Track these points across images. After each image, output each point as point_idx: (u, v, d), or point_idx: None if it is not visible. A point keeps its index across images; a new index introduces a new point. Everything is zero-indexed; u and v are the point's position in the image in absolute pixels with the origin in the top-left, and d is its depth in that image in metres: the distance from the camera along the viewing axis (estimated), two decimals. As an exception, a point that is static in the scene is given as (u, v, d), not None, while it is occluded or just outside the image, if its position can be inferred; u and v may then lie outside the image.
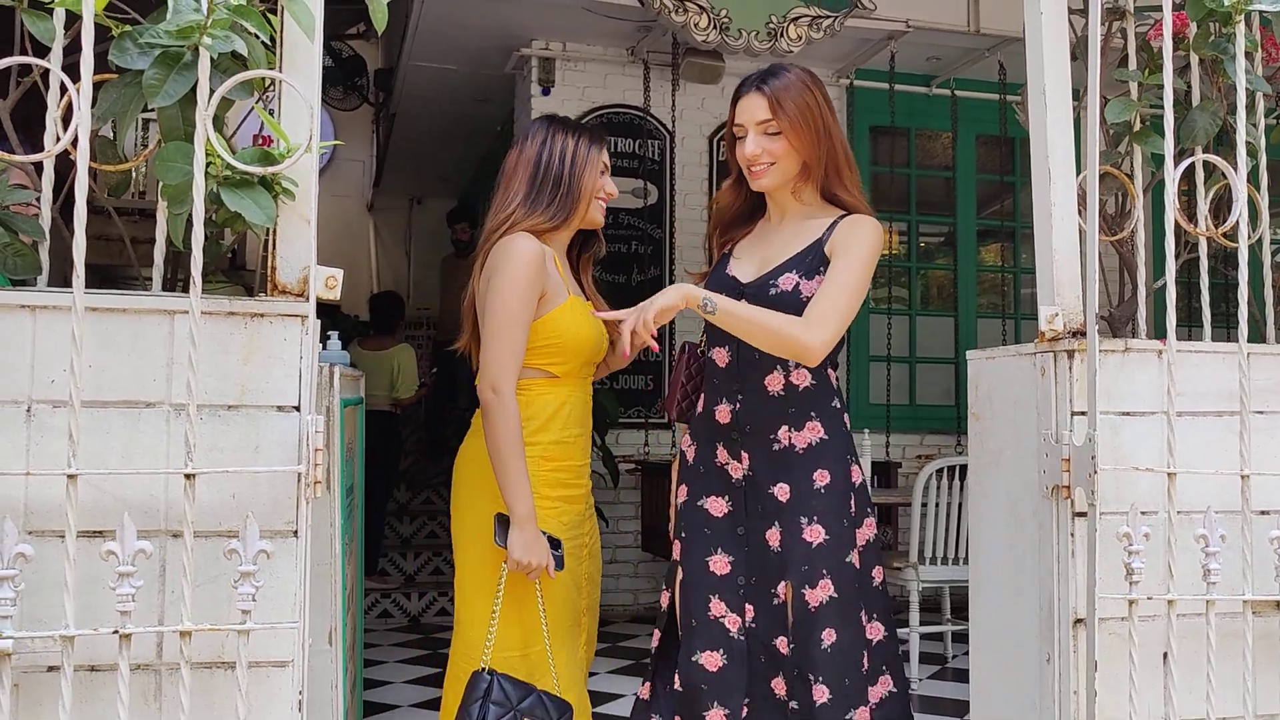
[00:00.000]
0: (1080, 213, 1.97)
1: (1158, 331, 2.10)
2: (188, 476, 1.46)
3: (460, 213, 7.74)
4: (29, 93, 1.82)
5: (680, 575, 2.23)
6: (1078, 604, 1.89)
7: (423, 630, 5.87)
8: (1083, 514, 1.87)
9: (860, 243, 2.15)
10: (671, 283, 6.21)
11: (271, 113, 1.64)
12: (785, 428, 2.18)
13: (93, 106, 1.52)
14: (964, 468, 4.81)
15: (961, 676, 4.87)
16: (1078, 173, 1.98)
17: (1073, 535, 1.89)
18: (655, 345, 2.07)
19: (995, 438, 2.10)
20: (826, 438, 2.18)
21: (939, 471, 4.67)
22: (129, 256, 2.00)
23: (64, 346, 1.48)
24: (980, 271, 6.95)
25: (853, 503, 2.18)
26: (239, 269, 6.77)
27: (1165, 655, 1.85)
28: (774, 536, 2.16)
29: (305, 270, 1.59)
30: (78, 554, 1.43)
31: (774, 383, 2.19)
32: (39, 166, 1.66)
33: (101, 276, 1.69)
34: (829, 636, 2.09)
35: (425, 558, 6.53)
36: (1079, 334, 1.94)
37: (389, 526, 6.78)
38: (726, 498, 2.23)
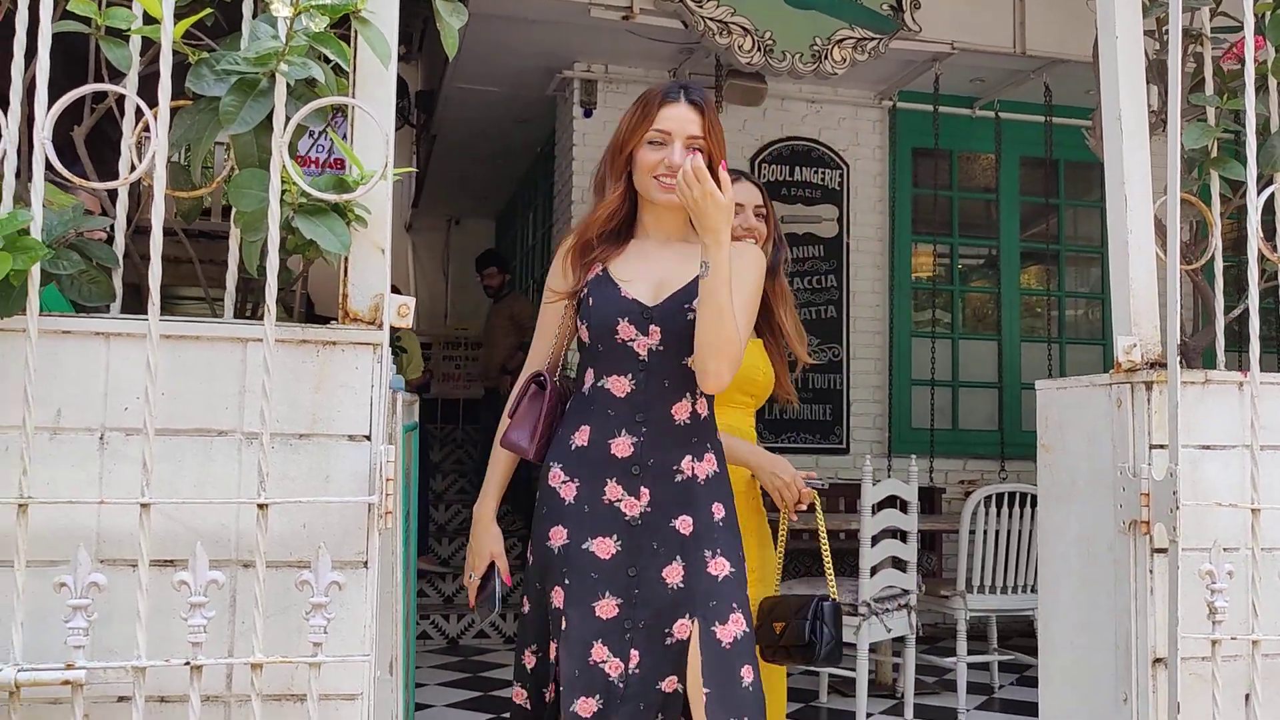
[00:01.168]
0: (1157, 241, 1.93)
1: (1231, 363, 2.05)
2: (261, 506, 1.44)
3: (488, 258, 7.74)
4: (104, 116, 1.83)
5: (564, 625, 2.01)
6: (1157, 643, 1.83)
7: (461, 652, 5.85)
8: (1163, 550, 1.82)
9: (749, 269, 2.11)
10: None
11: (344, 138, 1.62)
12: (689, 458, 2.07)
13: (168, 132, 1.52)
14: (1011, 495, 4.75)
15: (1008, 707, 4.79)
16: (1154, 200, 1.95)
17: (1151, 572, 1.84)
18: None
19: (1067, 470, 2.05)
20: (719, 470, 2.11)
21: (986, 499, 4.60)
22: (189, 277, 1.99)
23: (138, 374, 1.47)
24: (1023, 294, 6.88)
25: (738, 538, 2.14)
26: (316, 317, 6.87)
27: (1247, 696, 1.79)
28: (674, 573, 2.04)
29: (378, 298, 1.57)
30: (150, 583, 1.42)
31: (681, 411, 2.07)
32: (113, 193, 1.66)
33: (162, 297, 1.68)
34: (747, 674, 2.00)
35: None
36: (1157, 365, 1.89)
37: (428, 548, 6.78)
38: (615, 537, 2.05)
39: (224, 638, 1.50)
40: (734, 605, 2.02)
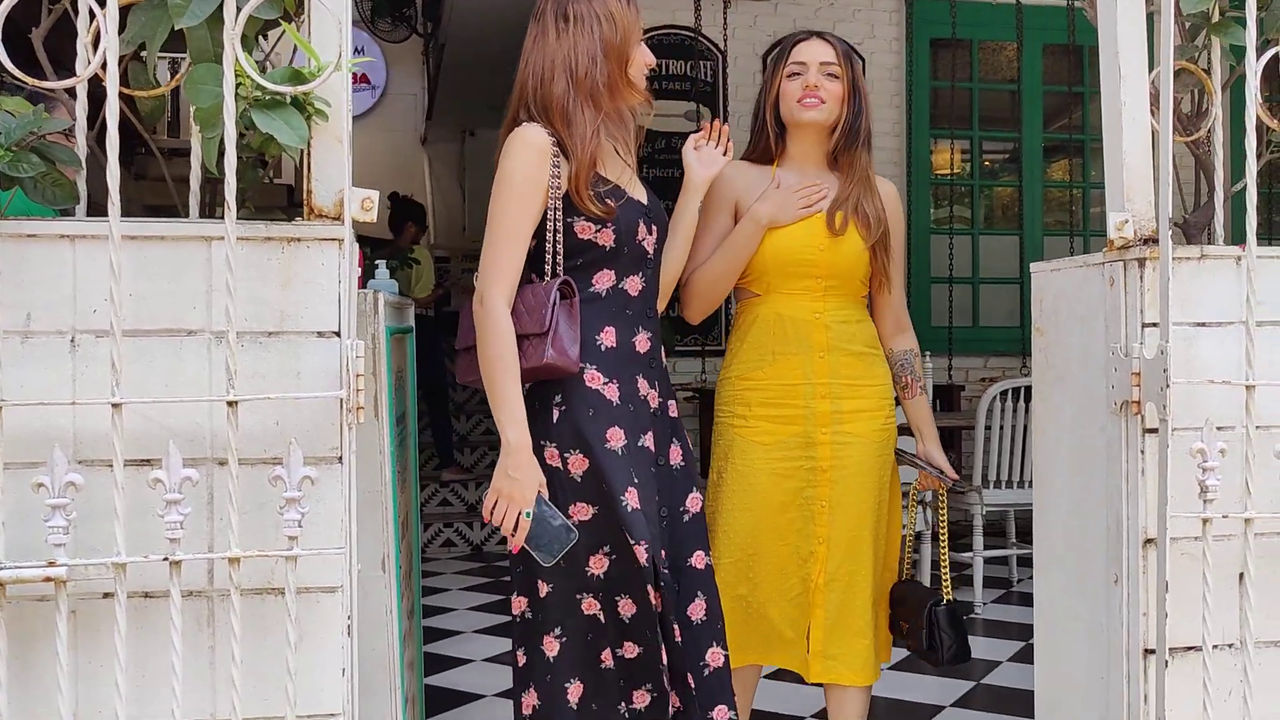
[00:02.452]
0: (1153, 113, 1.86)
1: (1235, 238, 1.99)
2: (230, 404, 1.44)
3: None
4: (64, 21, 1.80)
5: (646, 523, 2.02)
6: (1148, 523, 1.81)
7: (485, 559, 5.95)
8: (1154, 430, 1.79)
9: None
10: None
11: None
12: (663, 348, 2.21)
13: (122, 31, 1.49)
14: (1029, 389, 4.71)
15: (1027, 600, 4.82)
16: (1150, 70, 1.87)
17: (1143, 452, 1.81)
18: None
19: (1061, 353, 2.02)
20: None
21: (1003, 394, 4.58)
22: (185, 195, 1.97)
23: (104, 275, 1.47)
24: (1046, 188, 6.74)
25: None
26: (297, 205, 6.82)
27: (1241, 576, 1.78)
28: (675, 454, 2.18)
29: (340, 193, 1.55)
30: (126, 482, 1.43)
31: (661, 304, 2.22)
32: (74, 94, 1.64)
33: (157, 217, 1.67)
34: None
35: (486, 487, 6.60)
36: (1150, 241, 1.84)
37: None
38: (651, 431, 2.11)
39: (203, 534, 1.52)
40: (695, 485, 2.21)
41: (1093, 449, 1.92)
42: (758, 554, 2.35)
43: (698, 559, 2.14)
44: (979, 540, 4.67)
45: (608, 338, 2.07)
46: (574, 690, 2.06)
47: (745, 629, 2.37)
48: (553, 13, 2.04)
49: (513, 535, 1.97)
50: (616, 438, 2.04)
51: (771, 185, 2.38)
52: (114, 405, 1.42)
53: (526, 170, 1.99)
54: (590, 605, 2.05)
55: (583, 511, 2.02)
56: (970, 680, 3.67)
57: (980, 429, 4.58)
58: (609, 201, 2.04)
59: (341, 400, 1.50)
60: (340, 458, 1.52)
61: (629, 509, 2.00)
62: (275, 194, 6.35)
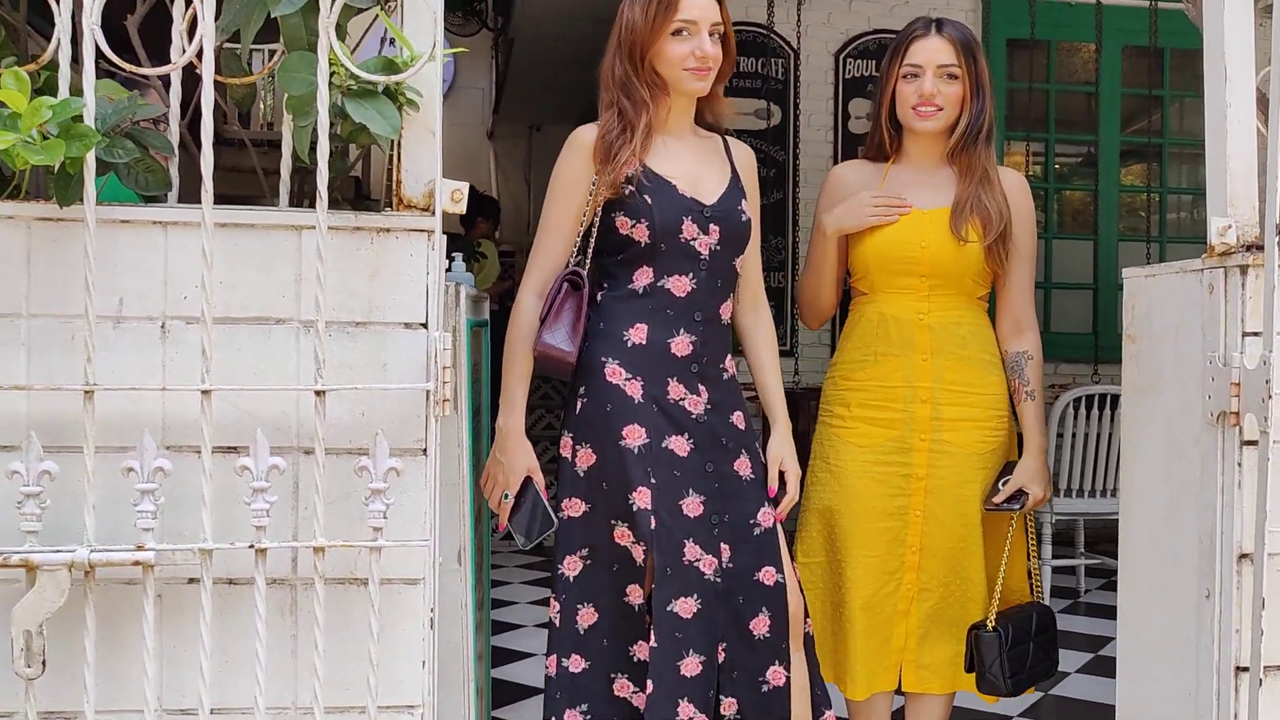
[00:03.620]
0: (1259, 116, 1.80)
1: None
2: (318, 393, 1.45)
3: None
4: (156, 8, 1.82)
5: (654, 523, 1.99)
6: (1243, 538, 1.76)
7: (545, 553, 5.96)
8: (1253, 443, 1.73)
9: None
10: (796, 208, 6.06)
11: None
12: (729, 356, 2.15)
13: (217, 18, 1.50)
14: (1102, 397, 4.60)
15: (1094, 611, 4.72)
16: (1257, 72, 1.81)
17: (1240, 465, 1.75)
18: None
19: (1153, 361, 1.96)
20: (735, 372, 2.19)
21: (1076, 401, 4.49)
22: (261, 189, 1.99)
23: (196, 263, 1.48)
24: (1123, 192, 6.59)
25: None
26: (365, 198, 6.89)
27: (1341, 594, 1.71)
28: (743, 465, 2.11)
29: (431, 184, 1.54)
30: (214, 469, 1.44)
31: (726, 310, 2.15)
32: (166, 82, 1.65)
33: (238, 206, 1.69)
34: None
35: (547, 481, 6.61)
36: (1254, 248, 1.78)
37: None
38: (687, 435, 2.06)
39: (288, 523, 1.53)
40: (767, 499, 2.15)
41: (1186, 460, 1.86)
42: (847, 555, 2.28)
43: (767, 575, 2.08)
44: (1047, 549, 4.58)
45: (636, 335, 2.06)
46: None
47: (834, 642, 2.33)
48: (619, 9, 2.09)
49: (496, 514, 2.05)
50: (635, 435, 2.02)
51: (864, 193, 2.31)
52: (204, 392, 1.43)
53: (569, 168, 2.07)
54: (553, 608, 2.08)
55: (575, 508, 2.06)
56: (1038, 691, 3.59)
57: (1053, 436, 4.49)
58: (632, 187, 2.04)
59: (428, 392, 1.50)
60: (425, 450, 1.52)
61: (635, 508, 1.99)
62: (344, 186, 6.44)
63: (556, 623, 2.06)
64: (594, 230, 2.06)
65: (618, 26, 2.07)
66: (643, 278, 2.07)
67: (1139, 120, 6.61)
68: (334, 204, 1.73)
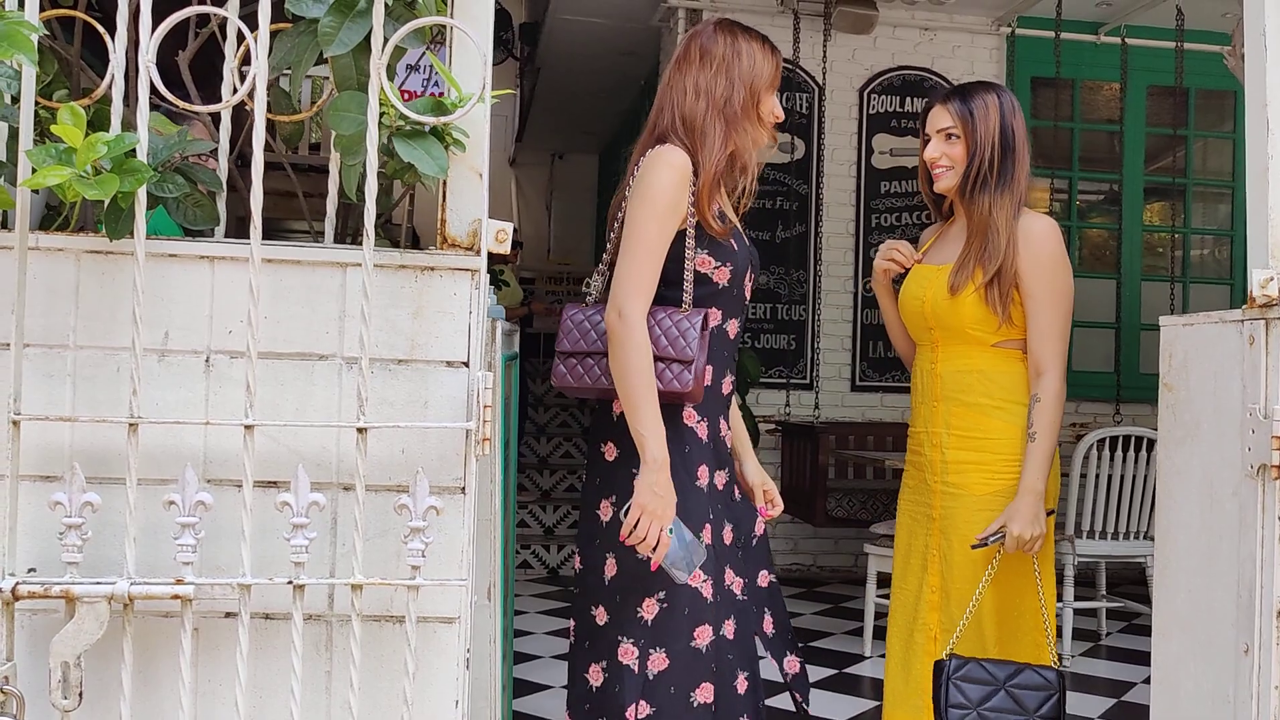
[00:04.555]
0: (1301, 167, 1.79)
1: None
2: (360, 430, 1.45)
3: None
4: (204, 45, 1.84)
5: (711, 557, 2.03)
6: (1283, 593, 1.74)
7: (561, 582, 5.94)
8: (1294, 496, 1.71)
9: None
10: (819, 241, 6.06)
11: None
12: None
13: (269, 56, 1.51)
14: (1125, 438, 4.57)
15: (1115, 655, 4.67)
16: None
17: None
18: None
19: (1191, 411, 1.95)
20: None
21: (1099, 442, 4.45)
22: (298, 210, 2.01)
23: (241, 297, 1.49)
24: (1146, 231, 6.58)
25: None
26: (388, 223, 6.94)
27: (1383, 652, 1.69)
28: (735, 484, 2.23)
29: (476, 223, 1.55)
30: (254, 504, 1.44)
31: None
32: (216, 117, 1.67)
33: (269, 230, 1.70)
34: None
35: (564, 510, 6.60)
36: (1296, 300, 1.77)
37: (528, 479, 6.89)
38: (726, 468, 2.14)
39: (326, 559, 1.53)
40: None
41: (1224, 512, 1.85)
42: (898, 594, 2.46)
43: (763, 578, 2.20)
44: (1070, 591, 4.54)
45: (707, 376, 2.07)
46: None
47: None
48: (699, 48, 2.09)
49: (653, 552, 1.93)
50: (704, 475, 2.06)
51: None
52: (246, 427, 1.44)
53: (668, 190, 1.99)
54: (629, 651, 2.02)
55: (723, 531, 2.12)
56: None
57: (1075, 477, 4.46)
58: (725, 223, 2.08)
59: (468, 431, 1.50)
60: (464, 488, 1.52)
61: (705, 543, 2.03)
62: (393, 227, 6.52)
63: (635, 669, 1.98)
64: (686, 263, 2.03)
65: (732, 60, 2.06)
66: (712, 319, 2.06)
67: (1163, 159, 6.61)
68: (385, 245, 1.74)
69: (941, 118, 2.40)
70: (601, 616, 2.04)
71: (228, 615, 1.50)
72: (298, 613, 1.44)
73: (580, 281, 9.58)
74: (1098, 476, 4.47)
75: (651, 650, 1.98)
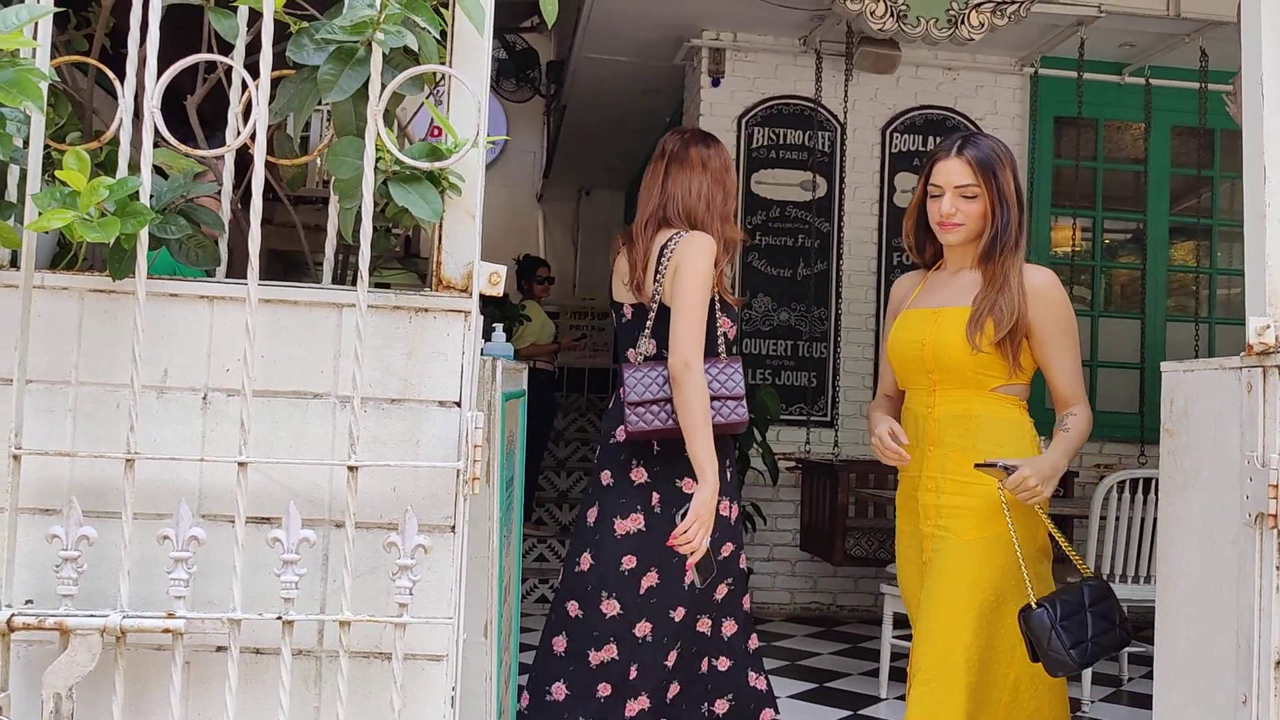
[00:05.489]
0: (1299, 214, 1.79)
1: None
2: (351, 469, 1.47)
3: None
4: (216, 89, 1.88)
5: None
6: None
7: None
8: (1291, 546, 1.70)
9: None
10: (840, 279, 6.07)
11: (440, 106, 1.64)
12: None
13: (271, 102, 1.55)
14: (1148, 480, 4.52)
15: (1137, 700, 4.59)
16: (1297, 170, 1.80)
17: (1278, 569, 1.72)
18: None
19: (1191, 457, 1.94)
20: None
21: (1120, 484, 4.41)
22: (317, 244, 2.04)
23: (239, 336, 1.52)
24: (1171, 271, 6.54)
25: None
26: (414, 255, 7.01)
27: (1384, 706, 1.67)
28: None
29: (469, 266, 1.58)
30: (246, 539, 1.47)
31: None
32: (221, 160, 1.71)
33: (286, 263, 1.74)
34: None
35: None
36: (1293, 348, 1.76)
37: (548, 513, 6.90)
38: (737, 500, 2.77)
39: (316, 595, 1.55)
40: None
41: (1222, 560, 1.83)
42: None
43: (720, 591, 2.69)
44: (1089, 636, 4.47)
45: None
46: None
47: None
48: (699, 157, 2.70)
49: (693, 556, 2.48)
50: (735, 510, 2.73)
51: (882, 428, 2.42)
52: (240, 464, 1.47)
53: (709, 267, 2.55)
54: (704, 623, 2.68)
55: (727, 550, 2.66)
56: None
57: (1095, 519, 4.41)
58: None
59: (458, 471, 1.52)
60: (454, 527, 1.54)
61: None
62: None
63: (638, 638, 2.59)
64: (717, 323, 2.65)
65: (723, 174, 2.70)
66: (711, 367, 2.57)
67: (1188, 199, 6.57)
68: (379, 269, 1.78)
69: (960, 174, 2.39)
70: (611, 608, 2.57)
71: (218, 649, 1.52)
72: (286, 648, 1.46)
73: (604, 316, 9.63)
74: (1119, 519, 4.42)
75: (637, 621, 2.57)
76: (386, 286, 1.67)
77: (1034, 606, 2.24)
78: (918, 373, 2.44)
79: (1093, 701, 4.48)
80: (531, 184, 10.92)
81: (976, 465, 2.33)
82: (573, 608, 2.62)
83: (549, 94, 9.23)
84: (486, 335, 2.67)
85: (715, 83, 6.11)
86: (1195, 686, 1.90)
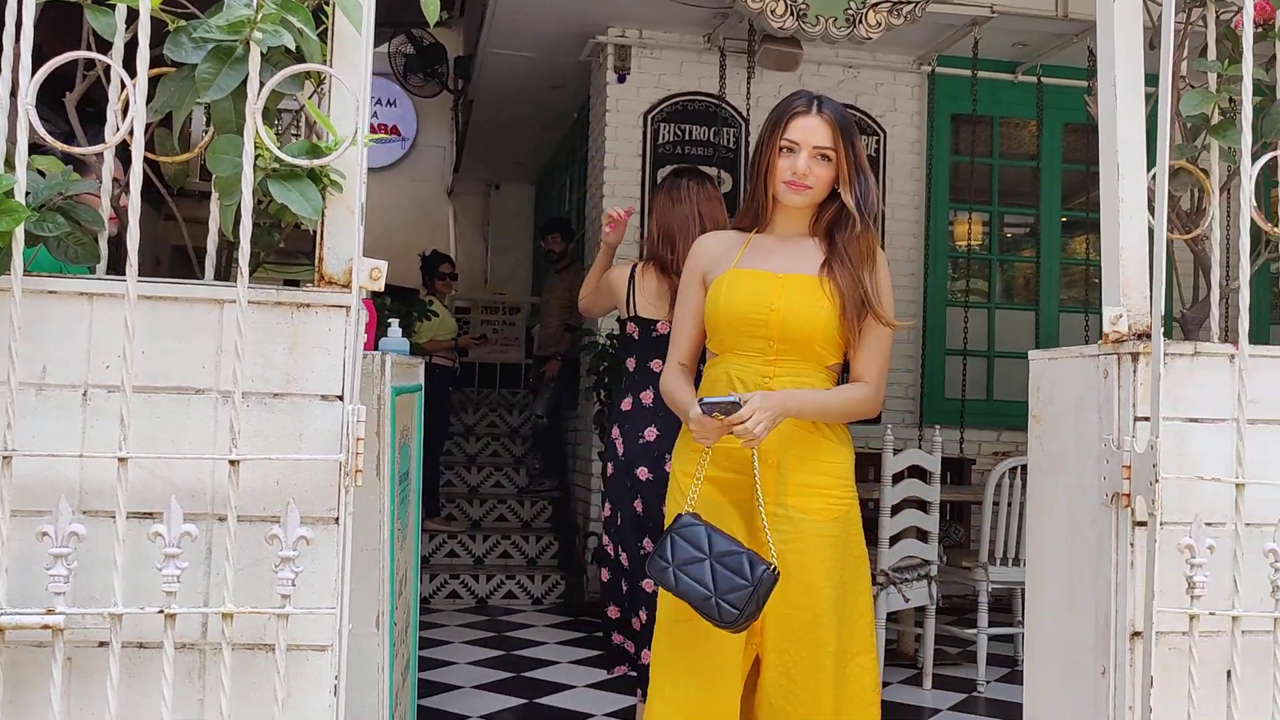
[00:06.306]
0: (1151, 210, 1.90)
1: (1232, 334, 2.01)
2: (232, 463, 1.48)
3: (553, 224, 7.63)
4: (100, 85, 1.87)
5: None
6: (1135, 616, 1.82)
7: (489, 612, 5.94)
8: (1143, 523, 1.80)
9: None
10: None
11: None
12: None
13: (150, 100, 1.55)
14: (1039, 466, 4.69)
15: (1031, 679, 4.76)
16: (1150, 168, 1.91)
17: (1132, 545, 1.83)
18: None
19: (1056, 441, 2.04)
20: None
21: (1012, 470, 4.57)
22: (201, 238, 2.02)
23: (119, 333, 1.52)
24: (1064, 264, 6.77)
25: None
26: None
27: (1229, 674, 1.78)
28: None
29: (350, 261, 1.60)
30: (128, 534, 1.47)
31: None
32: (101, 157, 1.70)
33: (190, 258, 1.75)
34: None
35: (494, 540, 6.61)
36: (1144, 336, 1.87)
37: (458, 508, 6.89)
38: None
39: (200, 588, 1.55)
40: None
41: (1084, 539, 1.93)
42: (693, 625, 2.21)
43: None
44: (984, 617, 4.64)
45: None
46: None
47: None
48: (716, 194, 3.66)
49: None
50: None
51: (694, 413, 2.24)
52: (120, 459, 1.47)
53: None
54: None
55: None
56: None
57: (988, 505, 4.57)
58: None
59: (340, 464, 1.54)
60: (337, 519, 1.56)
61: None
62: (303, 239, 6.49)
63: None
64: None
65: (707, 214, 3.52)
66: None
67: (1080, 195, 6.82)
68: (282, 258, 1.78)
69: (821, 134, 2.29)
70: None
71: (100, 645, 1.52)
72: (169, 641, 1.46)
73: (515, 310, 9.63)
74: (1010, 505, 4.58)
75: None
76: (297, 284, 1.67)
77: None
78: (758, 338, 2.29)
79: (988, 682, 4.64)
80: (442, 179, 10.85)
81: (703, 402, 2.20)
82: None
83: (457, 89, 9.19)
84: (386, 330, 2.69)
85: (621, 79, 6.16)
86: (1061, 660, 2.01)
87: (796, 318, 2.28)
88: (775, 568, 2.15)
